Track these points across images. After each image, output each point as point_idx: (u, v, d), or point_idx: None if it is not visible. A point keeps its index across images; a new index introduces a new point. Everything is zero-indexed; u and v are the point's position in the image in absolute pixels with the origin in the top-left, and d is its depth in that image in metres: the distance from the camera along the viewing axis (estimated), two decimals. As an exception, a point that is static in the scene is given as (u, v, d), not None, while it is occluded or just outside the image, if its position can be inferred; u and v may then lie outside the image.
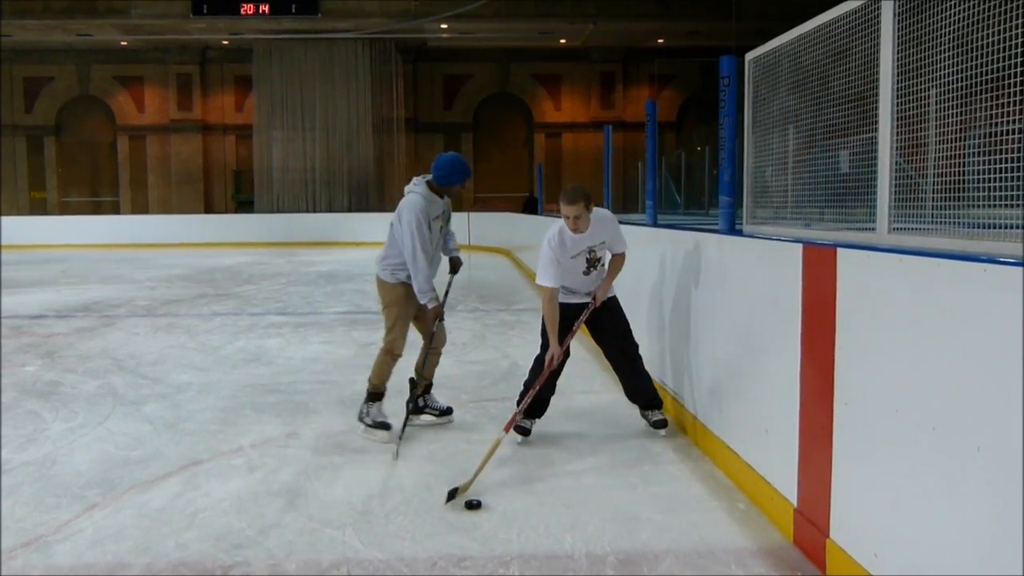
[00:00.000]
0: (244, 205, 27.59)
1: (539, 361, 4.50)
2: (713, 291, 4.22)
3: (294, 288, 12.60)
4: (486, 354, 7.08)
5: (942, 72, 2.70)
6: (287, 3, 23.18)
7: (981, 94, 2.58)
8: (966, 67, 2.58)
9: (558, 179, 27.61)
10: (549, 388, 4.48)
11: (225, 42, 27.13)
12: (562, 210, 4.23)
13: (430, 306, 4.53)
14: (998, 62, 2.41)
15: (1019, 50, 2.32)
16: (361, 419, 4.66)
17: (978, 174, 2.62)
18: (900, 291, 2.45)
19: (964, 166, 2.73)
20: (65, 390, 5.80)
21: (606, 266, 4.53)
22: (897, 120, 2.97)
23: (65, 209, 28.55)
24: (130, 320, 9.32)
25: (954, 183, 2.76)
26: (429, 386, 4.88)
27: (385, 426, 4.58)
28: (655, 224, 7.13)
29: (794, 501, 3.16)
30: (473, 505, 3.53)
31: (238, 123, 28.58)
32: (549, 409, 4.58)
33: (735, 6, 20.51)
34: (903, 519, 2.42)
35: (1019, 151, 2.41)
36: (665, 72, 28.06)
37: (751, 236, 4.00)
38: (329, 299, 11.26)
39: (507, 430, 4.15)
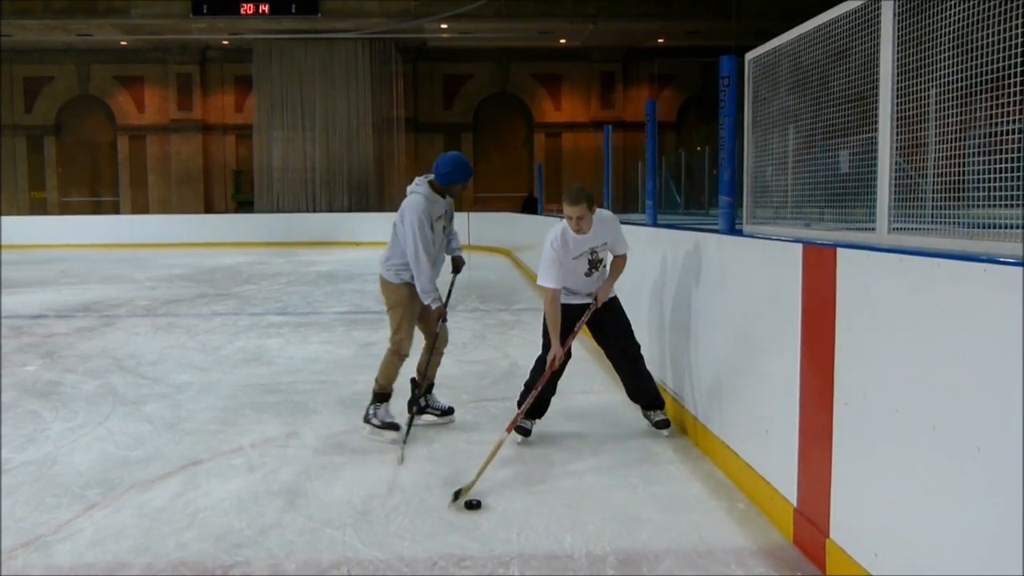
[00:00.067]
0: (244, 205, 27.57)
1: (540, 362, 4.50)
2: (713, 291, 4.22)
3: (294, 288, 12.60)
4: (486, 354, 7.08)
5: (942, 72, 2.70)
6: (287, 3, 23.17)
7: (981, 94, 2.58)
8: (966, 67, 2.58)
9: (558, 179, 27.60)
10: (550, 388, 4.48)
11: (225, 42, 27.12)
12: (565, 210, 4.23)
13: (433, 307, 4.53)
14: (998, 62, 2.41)
15: (1019, 50, 2.32)
16: (368, 420, 4.65)
17: (978, 174, 2.62)
18: (900, 291, 2.45)
19: (964, 166, 2.73)
20: (65, 390, 5.80)
21: (608, 268, 4.53)
22: (897, 120, 2.97)
23: (65, 209, 28.54)
24: (130, 320, 9.32)
25: (954, 183, 2.76)
26: (431, 386, 4.88)
27: (394, 427, 4.59)
28: (655, 224, 7.12)
29: (794, 501, 3.16)
30: (473, 505, 3.53)
31: (238, 123, 28.57)
32: (549, 409, 4.58)
33: (735, 6, 20.51)
34: (903, 519, 2.42)
35: (1019, 151, 2.41)
36: (665, 72, 28.06)
37: (751, 236, 4.00)
38: (329, 299, 11.26)
39: (509, 431, 4.15)
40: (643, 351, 4.68)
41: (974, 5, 2.51)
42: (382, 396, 4.66)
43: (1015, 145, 2.44)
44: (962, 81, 2.62)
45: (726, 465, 3.94)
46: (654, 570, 2.98)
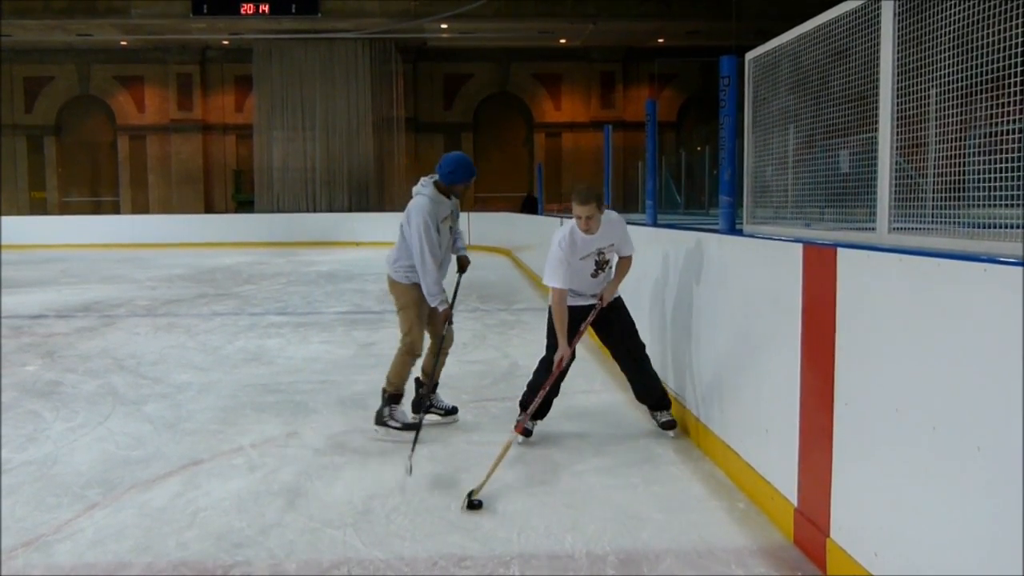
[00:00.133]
0: (244, 205, 27.58)
1: (545, 363, 4.50)
2: (713, 291, 4.22)
3: (294, 288, 12.60)
4: (486, 354, 7.08)
5: (942, 72, 2.70)
6: (287, 3, 23.17)
7: (981, 94, 2.58)
8: (966, 67, 2.58)
9: (558, 179, 27.65)
10: (554, 390, 4.48)
11: (225, 42, 27.12)
12: (574, 210, 4.21)
13: (440, 309, 4.52)
14: (998, 62, 2.41)
15: (1019, 50, 2.32)
16: (384, 422, 4.61)
17: (978, 174, 2.62)
18: (900, 291, 2.45)
19: (964, 166, 2.73)
20: (65, 390, 5.80)
21: (613, 269, 4.53)
22: (897, 120, 2.97)
23: (65, 209, 28.55)
24: (130, 320, 9.32)
25: (954, 183, 2.76)
26: (435, 386, 4.88)
27: (415, 427, 4.52)
28: (655, 224, 7.13)
29: (794, 501, 3.16)
30: (475, 505, 3.52)
31: (238, 123, 28.58)
32: (551, 409, 4.58)
33: (735, 6, 20.50)
34: (903, 519, 2.43)
35: (1019, 151, 2.41)
36: (665, 72, 28.05)
37: (751, 236, 4.00)
38: (329, 299, 11.26)
39: (519, 431, 4.16)
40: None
41: (974, 5, 2.51)
42: (396, 397, 4.64)
43: (1015, 145, 2.44)
44: (962, 81, 2.62)
45: (727, 465, 3.94)
46: (654, 570, 2.98)
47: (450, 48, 27.50)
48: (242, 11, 23.15)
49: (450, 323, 4.67)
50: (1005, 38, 2.37)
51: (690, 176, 18.39)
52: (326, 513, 3.50)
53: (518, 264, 16.49)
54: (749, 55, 4.47)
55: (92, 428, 4.82)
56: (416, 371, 4.82)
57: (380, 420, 4.65)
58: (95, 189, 29.49)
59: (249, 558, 3.08)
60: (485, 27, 24.20)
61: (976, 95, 2.61)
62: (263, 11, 23.15)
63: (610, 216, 4.37)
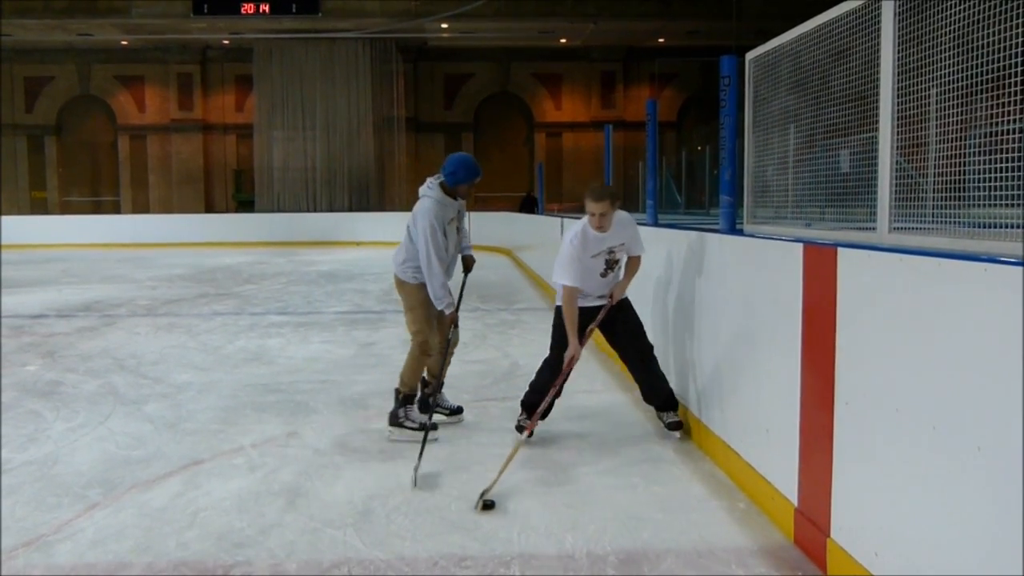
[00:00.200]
0: (245, 205, 27.60)
1: (547, 364, 4.49)
2: (714, 291, 4.22)
3: (295, 288, 12.61)
4: (487, 353, 7.08)
5: (942, 72, 2.70)
6: (288, 3, 23.18)
7: (981, 94, 2.58)
8: (966, 67, 2.58)
9: (559, 179, 27.66)
10: (556, 390, 4.47)
11: (226, 42, 27.13)
12: (588, 207, 4.19)
13: (447, 312, 4.52)
14: (998, 62, 2.41)
15: (1019, 50, 2.32)
16: (400, 423, 4.57)
17: (978, 174, 2.62)
18: (900, 291, 2.45)
19: (964, 166, 2.73)
20: (66, 390, 5.80)
21: (622, 270, 4.52)
22: (897, 120, 2.97)
23: (66, 209, 28.56)
24: (131, 320, 9.32)
25: (954, 183, 2.76)
26: (440, 385, 4.88)
27: (433, 427, 4.52)
28: (656, 224, 7.13)
29: (795, 501, 3.16)
30: (488, 505, 3.52)
31: (239, 123, 28.58)
32: (552, 409, 4.57)
33: (735, 6, 20.50)
34: (903, 519, 2.43)
35: (1019, 151, 2.41)
36: (665, 72, 28.05)
37: (751, 236, 4.00)
38: (330, 299, 11.26)
39: (530, 433, 4.18)
40: (646, 351, 4.68)
41: (974, 5, 2.51)
42: (410, 397, 4.62)
43: (1015, 145, 2.44)
44: (962, 81, 2.62)
45: (727, 465, 3.94)
46: (655, 570, 2.98)
47: (451, 48, 27.51)
48: (243, 11, 23.16)
49: (456, 326, 4.66)
50: (1005, 38, 2.37)
51: (690, 176, 18.39)
52: (326, 513, 3.50)
53: (519, 264, 16.49)
54: (749, 55, 4.47)
55: (93, 428, 4.82)
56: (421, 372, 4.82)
57: (395, 421, 4.63)
58: (96, 189, 29.50)
59: (249, 558, 3.08)
60: (485, 27, 24.20)
61: (976, 95, 2.61)
62: (263, 11, 23.16)
63: (621, 215, 4.36)
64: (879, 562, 2.54)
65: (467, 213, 4.81)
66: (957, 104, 2.69)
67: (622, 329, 4.55)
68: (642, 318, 4.64)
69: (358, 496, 3.69)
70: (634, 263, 4.52)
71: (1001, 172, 2.48)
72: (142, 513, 3.52)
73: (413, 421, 4.57)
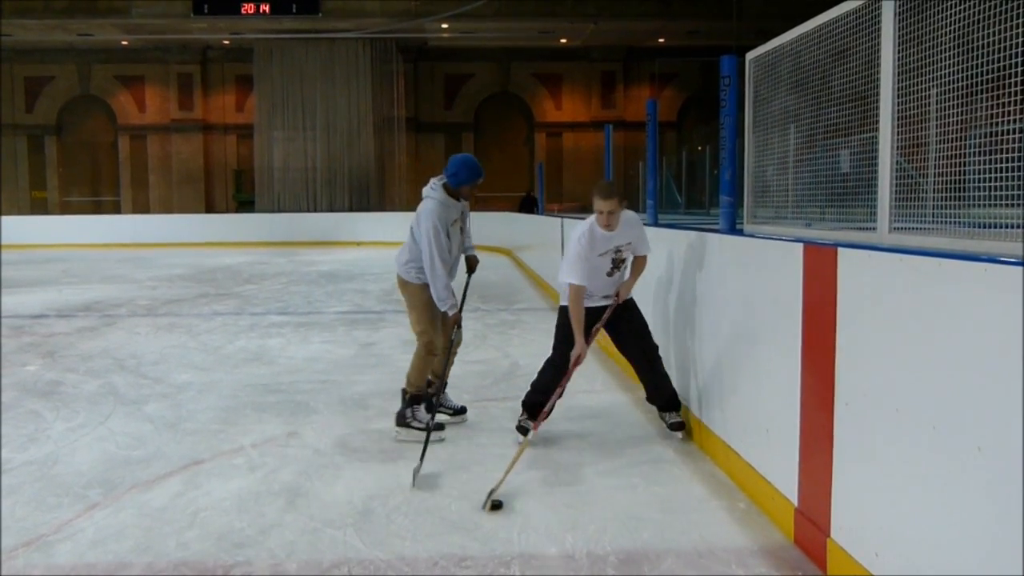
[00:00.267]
0: (245, 205, 27.60)
1: (550, 363, 4.49)
2: (714, 291, 4.22)
3: (295, 288, 12.61)
4: (487, 354, 7.08)
5: (942, 72, 2.70)
6: (288, 3, 23.18)
7: (981, 94, 2.58)
8: (966, 67, 2.58)
9: (559, 179, 27.67)
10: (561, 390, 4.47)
11: (226, 42, 27.14)
12: (596, 205, 4.18)
13: (450, 313, 4.51)
14: (998, 62, 2.41)
15: (1019, 50, 2.32)
16: (407, 423, 4.56)
17: (978, 174, 2.62)
18: (900, 291, 2.45)
19: (964, 166, 2.73)
20: (66, 390, 5.80)
21: (627, 270, 4.51)
22: (898, 120, 2.97)
23: (66, 209, 28.56)
24: (131, 320, 9.32)
25: (954, 183, 2.76)
26: (443, 385, 4.87)
27: (440, 427, 4.56)
28: (656, 224, 7.12)
29: (795, 501, 3.16)
30: (496, 505, 3.52)
31: (239, 123, 28.59)
32: (553, 409, 4.56)
33: (735, 6, 20.50)
34: (904, 519, 2.43)
35: (1019, 151, 2.41)
36: (666, 71, 28.05)
37: (752, 236, 4.00)
38: (330, 299, 11.26)
39: (536, 428, 4.16)
40: (645, 351, 4.67)
41: (974, 5, 2.51)
42: (417, 398, 4.61)
43: (1015, 145, 2.44)
44: (962, 81, 2.62)
45: (727, 465, 3.94)
46: (655, 570, 2.98)
47: (451, 48, 27.51)
48: (243, 11, 23.16)
49: (459, 327, 4.65)
50: (1005, 38, 2.37)
51: (691, 176, 18.39)
52: (326, 513, 3.50)
53: (519, 264, 16.49)
54: (749, 55, 4.47)
55: (93, 428, 4.82)
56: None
57: (402, 422, 4.62)
58: (96, 189, 29.51)
59: (249, 558, 3.08)
60: (486, 27, 24.20)
61: (976, 95, 2.61)
62: (264, 11, 23.16)
63: (628, 215, 4.35)
64: (879, 562, 2.54)
65: (470, 214, 4.81)
66: (957, 104, 2.69)
67: (627, 329, 4.54)
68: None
69: (358, 496, 3.69)
70: (640, 263, 4.51)
71: (1001, 172, 2.48)
72: (142, 513, 3.52)
73: (420, 422, 4.56)
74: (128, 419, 5.02)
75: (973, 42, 2.52)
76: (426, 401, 4.68)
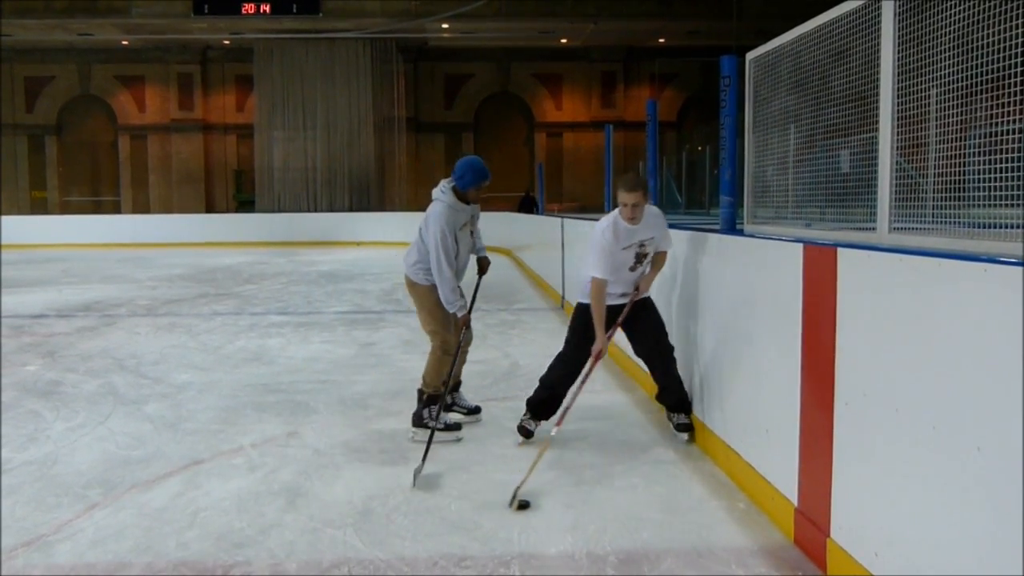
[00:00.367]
0: (245, 205, 27.61)
1: (562, 359, 4.48)
2: (713, 291, 4.22)
3: (295, 288, 12.61)
4: (487, 353, 7.07)
5: (942, 72, 2.70)
6: (288, 3, 23.17)
7: (981, 94, 2.58)
8: (966, 67, 2.59)
9: (559, 179, 27.67)
10: (564, 387, 4.47)
11: (226, 42, 27.14)
12: (620, 198, 4.14)
13: (459, 315, 4.51)
14: (998, 62, 2.41)
15: (1019, 50, 2.33)
16: (424, 424, 4.52)
17: (978, 174, 2.62)
18: (900, 291, 2.45)
19: (964, 166, 2.74)
20: (66, 389, 5.80)
21: (649, 265, 4.49)
22: (898, 120, 2.97)
23: (66, 208, 28.56)
24: (131, 320, 9.32)
25: (954, 183, 2.77)
26: (458, 384, 4.87)
27: (457, 427, 4.57)
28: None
29: (795, 501, 3.16)
30: (523, 504, 3.52)
31: (239, 123, 28.59)
32: (558, 408, 4.55)
33: (735, 6, 20.51)
34: (903, 519, 2.43)
35: (1019, 151, 2.41)
36: (666, 72, 28.06)
37: (752, 236, 4.00)
38: (330, 299, 11.26)
39: (560, 424, 4.13)
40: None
41: (974, 5, 2.51)
42: (434, 398, 4.59)
43: (1015, 145, 2.44)
44: (962, 81, 2.62)
45: (727, 465, 3.94)
46: (655, 570, 2.98)
47: (451, 48, 27.51)
48: (243, 11, 23.16)
49: (468, 328, 4.65)
50: (1005, 38, 2.37)
51: (691, 176, 18.39)
52: (326, 513, 3.50)
53: (519, 264, 16.49)
54: (749, 55, 4.47)
55: (92, 428, 4.82)
56: (416, 378, 4.80)
57: (419, 422, 4.60)
58: (96, 189, 29.51)
59: (249, 558, 3.08)
60: (486, 27, 24.20)
61: (976, 95, 2.61)
62: (264, 11, 23.16)
63: (651, 210, 4.31)
64: (879, 562, 2.54)
65: (480, 215, 4.80)
66: (957, 104, 2.69)
67: (645, 327, 4.51)
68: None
69: (358, 496, 3.69)
70: (660, 258, 4.48)
71: (1001, 172, 2.48)
72: (142, 513, 3.52)
73: (441, 423, 4.54)
74: (128, 419, 5.02)
75: (973, 42, 2.52)
76: (442, 401, 4.67)
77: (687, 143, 20.09)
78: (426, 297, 4.59)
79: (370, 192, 27.12)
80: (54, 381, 6.08)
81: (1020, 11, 2.32)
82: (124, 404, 5.38)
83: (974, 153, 2.68)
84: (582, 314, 4.37)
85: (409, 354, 6.95)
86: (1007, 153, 2.46)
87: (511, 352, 7.08)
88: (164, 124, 28.62)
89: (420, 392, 4.67)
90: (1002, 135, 2.51)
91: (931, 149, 2.88)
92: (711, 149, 16.29)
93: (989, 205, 2.60)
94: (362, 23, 24.35)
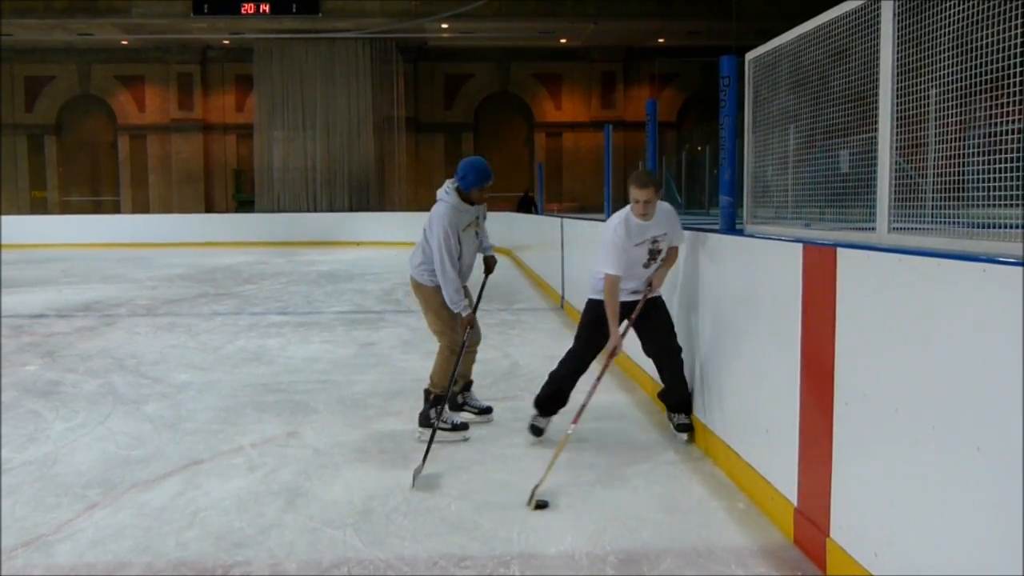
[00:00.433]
0: (245, 204, 27.61)
1: (573, 355, 4.48)
2: (713, 291, 4.22)
3: (295, 288, 12.61)
4: (487, 353, 7.05)
5: (942, 72, 2.70)
6: (288, 2, 23.19)
7: (981, 94, 2.58)
8: (966, 67, 2.59)
9: (559, 179, 27.67)
10: (571, 383, 4.46)
11: (226, 41, 27.15)
12: (632, 194, 4.13)
13: (463, 315, 4.51)
14: (998, 62, 2.41)
15: (1019, 50, 2.33)
16: (431, 423, 4.49)
17: (978, 174, 2.62)
18: (900, 291, 2.45)
19: (964, 166, 2.73)
20: (66, 389, 5.80)
21: (661, 262, 4.48)
22: (897, 120, 2.97)
23: (66, 208, 28.58)
24: (131, 319, 9.32)
25: (954, 183, 2.77)
26: (469, 384, 4.87)
27: (465, 426, 4.57)
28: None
29: (794, 501, 3.16)
30: (541, 504, 3.52)
31: (239, 122, 28.60)
32: (566, 403, 4.54)
33: (735, 6, 20.51)
34: (903, 519, 2.43)
35: (1019, 151, 2.41)
36: (666, 72, 28.07)
37: (751, 236, 4.00)
38: (330, 299, 11.26)
39: (575, 422, 4.12)
40: (644, 351, 4.67)
41: (974, 5, 2.51)
42: (441, 399, 4.58)
43: (1015, 145, 2.44)
44: (962, 81, 2.62)
45: (727, 465, 3.94)
46: (654, 570, 2.98)
47: (451, 48, 27.52)
48: (243, 11, 23.17)
49: (472, 328, 4.64)
50: (1005, 38, 2.37)
51: (691, 176, 18.40)
52: (326, 513, 3.50)
53: (518, 263, 16.49)
54: (749, 55, 4.47)
55: (92, 428, 4.82)
56: (422, 380, 4.79)
57: (426, 422, 4.59)
58: (96, 188, 29.51)
59: (249, 558, 3.08)
60: (485, 27, 24.21)
61: (976, 95, 2.61)
62: (264, 11, 23.17)
63: (663, 206, 4.30)
64: (879, 562, 2.55)
65: (487, 215, 4.79)
66: (957, 104, 2.69)
67: (654, 325, 4.49)
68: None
69: (358, 496, 3.69)
70: (673, 253, 4.47)
71: (1001, 172, 2.48)
72: (141, 513, 3.52)
73: (448, 423, 4.55)
74: (127, 419, 5.02)
75: (972, 42, 2.52)
76: (449, 401, 4.66)
77: (687, 143, 20.09)
78: (432, 298, 4.59)
79: (370, 192, 27.13)
80: (54, 381, 6.08)
81: (1020, 11, 2.32)
82: (124, 404, 5.38)
83: (973, 153, 2.68)
84: (592, 310, 4.37)
85: (409, 354, 6.95)
86: (1006, 153, 2.46)
87: (511, 352, 7.08)
88: (164, 124, 28.63)
89: (427, 392, 4.67)
90: (1001, 135, 2.51)
91: (930, 149, 2.88)
92: (711, 149, 16.30)
93: (988, 205, 2.60)
94: (362, 23, 24.35)
